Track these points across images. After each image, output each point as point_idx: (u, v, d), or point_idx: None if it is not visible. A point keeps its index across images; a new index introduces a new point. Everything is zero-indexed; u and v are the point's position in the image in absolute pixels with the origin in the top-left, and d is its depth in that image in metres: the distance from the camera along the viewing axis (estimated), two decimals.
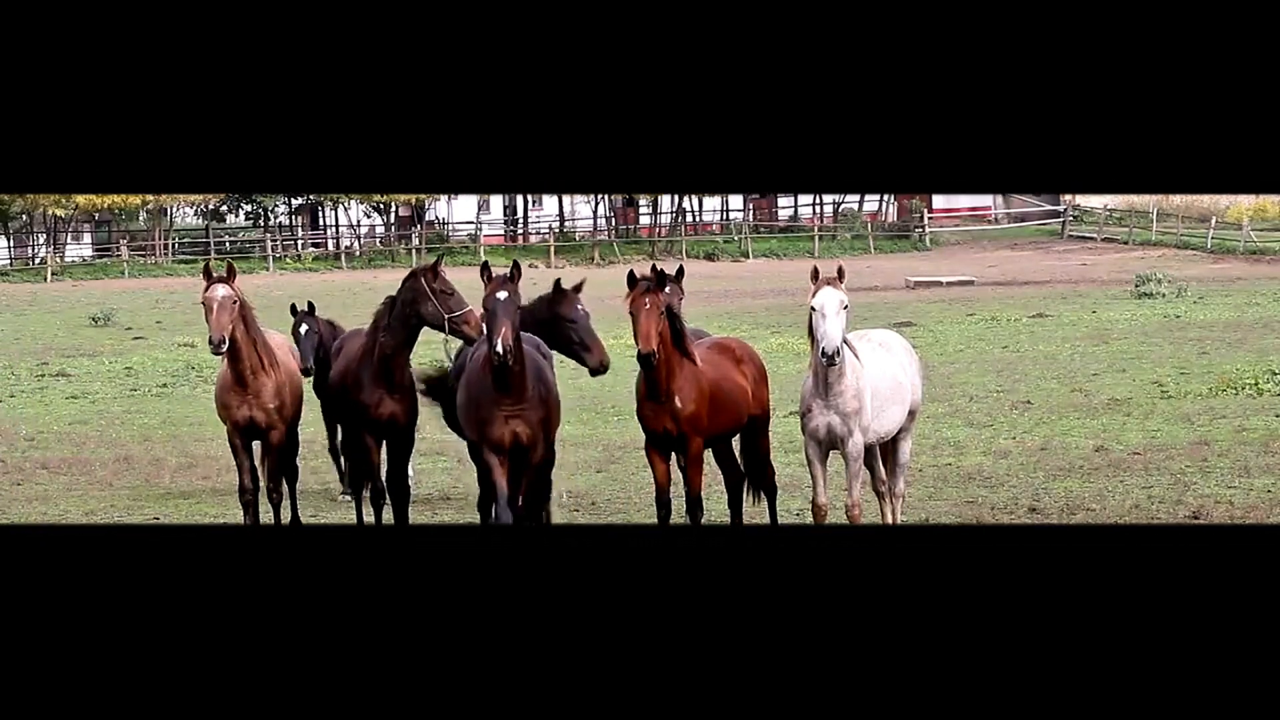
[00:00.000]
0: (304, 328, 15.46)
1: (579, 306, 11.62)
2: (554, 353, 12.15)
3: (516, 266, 11.21)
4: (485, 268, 11.30)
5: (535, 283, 25.19)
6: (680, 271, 12.82)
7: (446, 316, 12.08)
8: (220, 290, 12.27)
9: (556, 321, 11.91)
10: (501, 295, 10.91)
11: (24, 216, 68.76)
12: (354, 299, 41.17)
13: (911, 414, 12.28)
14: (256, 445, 13.17)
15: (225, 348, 12.31)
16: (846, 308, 11.08)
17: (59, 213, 67.02)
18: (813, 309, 11.08)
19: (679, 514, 12.41)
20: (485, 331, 11.14)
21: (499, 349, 10.81)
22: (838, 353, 10.97)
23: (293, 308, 15.70)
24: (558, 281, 12.02)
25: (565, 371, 13.78)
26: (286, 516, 13.59)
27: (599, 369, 11.58)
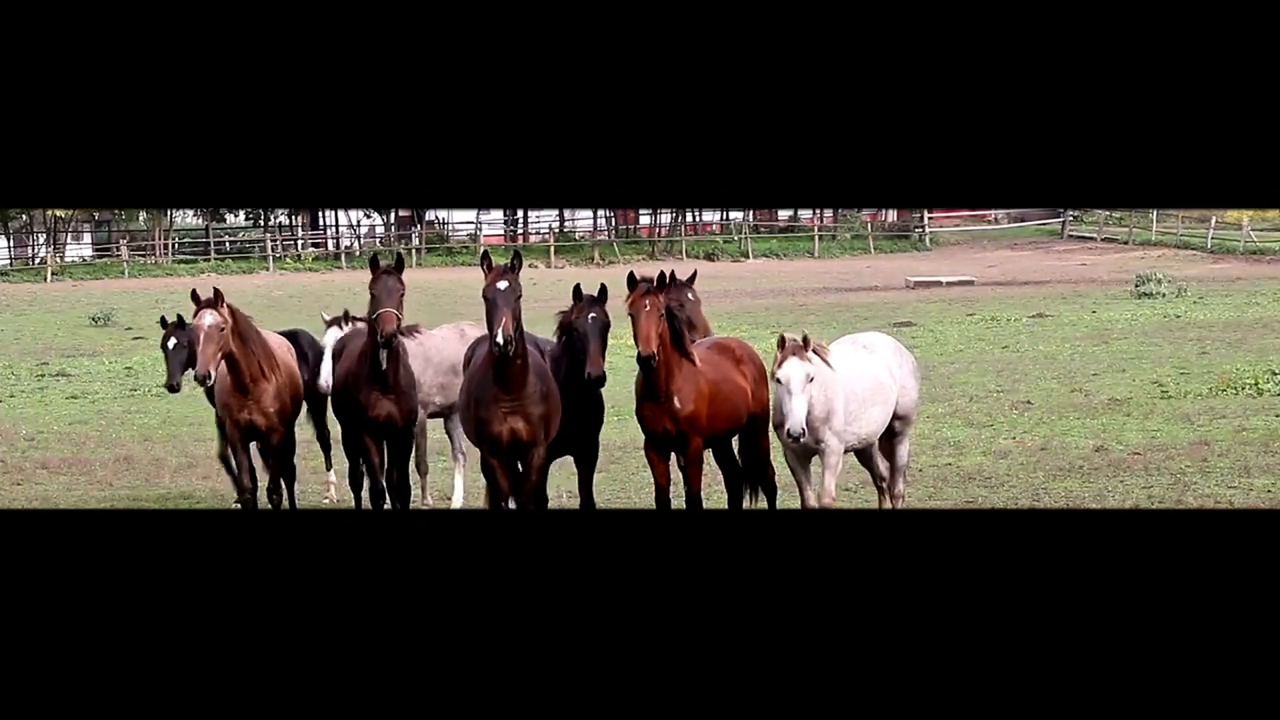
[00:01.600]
0: (172, 342, 14.22)
1: (590, 316, 11.41)
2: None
3: (518, 256, 11.18)
4: (485, 257, 11.28)
5: (535, 282, 25.00)
6: (693, 276, 12.85)
7: (370, 319, 12.13)
8: (207, 319, 11.96)
9: (567, 326, 11.83)
10: (501, 285, 10.84)
11: (24, 216, 68.75)
12: (354, 299, 41.17)
13: (904, 417, 12.21)
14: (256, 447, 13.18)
15: (211, 383, 12.21)
16: (812, 380, 10.95)
17: (59, 213, 67.00)
18: (777, 380, 11.00)
19: None
20: (486, 323, 11.09)
21: (499, 339, 10.74)
22: (803, 434, 10.88)
23: (162, 320, 14.65)
24: (576, 288, 11.82)
25: None
26: None
27: (587, 379, 11.38)
